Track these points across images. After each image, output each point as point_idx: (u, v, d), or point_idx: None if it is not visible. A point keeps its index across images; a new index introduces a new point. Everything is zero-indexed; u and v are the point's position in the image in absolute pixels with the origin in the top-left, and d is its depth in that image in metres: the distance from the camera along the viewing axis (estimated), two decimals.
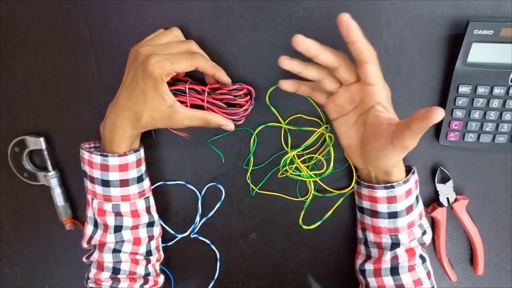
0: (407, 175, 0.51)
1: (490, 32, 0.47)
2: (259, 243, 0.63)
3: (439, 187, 0.56)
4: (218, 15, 0.54)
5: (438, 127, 0.54)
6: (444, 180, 0.56)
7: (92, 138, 0.59)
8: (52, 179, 0.62)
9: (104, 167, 0.51)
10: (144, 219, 0.55)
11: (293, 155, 0.57)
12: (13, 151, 0.62)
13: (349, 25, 0.41)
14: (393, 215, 0.50)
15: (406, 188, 0.49)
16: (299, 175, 0.58)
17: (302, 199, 0.60)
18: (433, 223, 0.59)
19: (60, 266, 0.68)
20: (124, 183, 0.52)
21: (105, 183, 0.51)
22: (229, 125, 0.53)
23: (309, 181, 0.58)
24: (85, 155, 0.52)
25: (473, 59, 0.49)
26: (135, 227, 0.55)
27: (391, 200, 0.49)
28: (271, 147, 0.59)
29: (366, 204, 0.52)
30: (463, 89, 0.51)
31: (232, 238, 0.63)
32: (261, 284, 0.64)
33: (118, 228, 0.53)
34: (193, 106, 0.54)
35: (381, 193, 0.50)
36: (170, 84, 0.54)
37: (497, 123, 0.52)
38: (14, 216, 0.67)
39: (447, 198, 0.56)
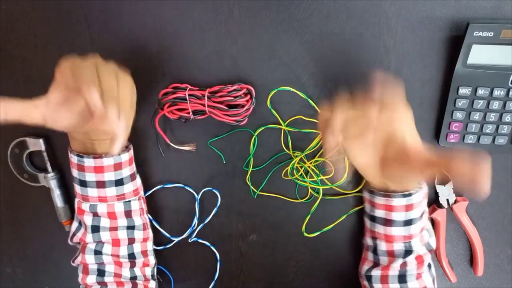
0: None
1: (490, 34, 0.47)
2: (259, 244, 0.63)
3: (439, 188, 0.56)
4: (218, 16, 0.54)
5: (438, 128, 0.54)
6: (444, 181, 0.56)
7: None
8: (51, 180, 0.62)
9: (80, 168, 0.51)
10: (122, 222, 0.54)
11: (306, 163, 0.57)
12: (13, 153, 0.62)
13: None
14: (408, 222, 0.49)
15: (422, 194, 0.48)
16: (310, 183, 0.58)
17: (303, 200, 0.60)
18: (433, 225, 0.59)
19: (60, 266, 0.69)
20: (100, 184, 0.51)
21: (82, 183, 0.51)
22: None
23: (320, 188, 0.59)
24: (69, 154, 0.52)
25: (473, 61, 0.49)
26: (113, 229, 0.54)
27: (408, 208, 0.48)
28: (271, 149, 0.59)
29: (380, 213, 0.50)
30: (463, 90, 0.51)
31: (232, 239, 0.63)
32: (261, 285, 0.65)
33: (95, 228, 0.53)
34: (195, 111, 0.54)
35: (398, 202, 0.48)
36: (169, 93, 0.55)
37: (497, 125, 0.52)
38: (14, 217, 0.67)
39: (447, 200, 0.56)
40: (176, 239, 0.63)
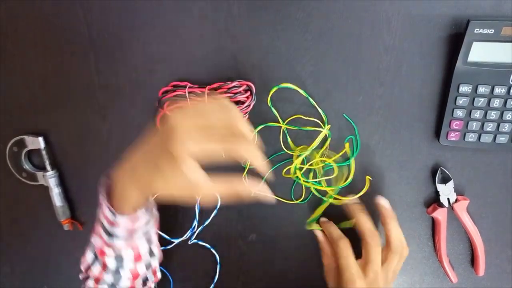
0: None
1: (491, 31, 0.47)
2: (259, 244, 0.63)
3: (440, 187, 0.56)
4: (217, 15, 0.54)
5: (438, 126, 0.54)
6: (445, 180, 0.56)
7: (91, 138, 0.60)
8: (50, 179, 0.61)
9: (111, 223, 0.46)
10: (146, 258, 0.51)
11: (313, 159, 0.57)
12: (11, 151, 0.62)
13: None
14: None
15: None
16: (314, 184, 0.58)
17: (297, 202, 0.60)
18: (434, 224, 0.59)
19: (59, 266, 0.68)
20: (130, 236, 0.47)
21: (110, 234, 0.46)
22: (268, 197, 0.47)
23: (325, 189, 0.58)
24: (100, 196, 0.47)
25: (474, 58, 0.49)
26: (135, 266, 0.51)
27: None
28: (271, 148, 0.58)
29: None
30: (464, 88, 0.50)
31: (231, 239, 0.63)
32: (260, 285, 0.64)
33: (117, 271, 0.49)
34: None
35: None
36: (169, 91, 0.54)
37: (498, 123, 0.51)
38: (13, 216, 0.67)
39: (448, 199, 0.56)
40: (176, 241, 0.62)
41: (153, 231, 0.52)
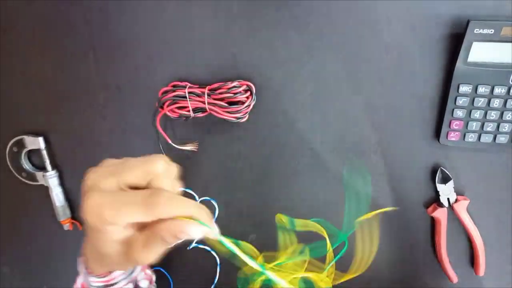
0: None
1: (491, 31, 0.47)
2: (259, 244, 0.62)
3: (440, 187, 0.56)
4: (217, 14, 0.54)
5: (438, 127, 0.54)
6: (445, 180, 0.56)
7: (90, 137, 0.60)
8: (50, 179, 0.61)
9: (85, 277, 0.42)
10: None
11: None
12: (11, 151, 0.62)
13: None
14: None
15: None
16: None
17: None
18: (434, 224, 0.58)
19: (59, 266, 0.68)
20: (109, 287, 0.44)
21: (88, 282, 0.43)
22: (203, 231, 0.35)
23: None
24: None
25: (474, 59, 0.49)
26: None
27: None
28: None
29: None
30: (464, 88, 0.50)
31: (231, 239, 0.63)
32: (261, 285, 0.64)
33: None
34: (195, 109, 0.54)
35: None
36: (169, 91, 0.54)
37: (498, 123, 0.51)
38: (13, 216, 0.67)
39: (448, 199, 0.56)
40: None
41: (140, 275, 0.48)
